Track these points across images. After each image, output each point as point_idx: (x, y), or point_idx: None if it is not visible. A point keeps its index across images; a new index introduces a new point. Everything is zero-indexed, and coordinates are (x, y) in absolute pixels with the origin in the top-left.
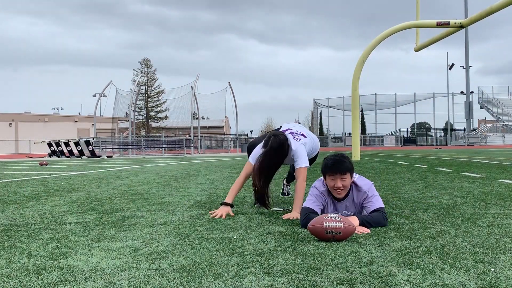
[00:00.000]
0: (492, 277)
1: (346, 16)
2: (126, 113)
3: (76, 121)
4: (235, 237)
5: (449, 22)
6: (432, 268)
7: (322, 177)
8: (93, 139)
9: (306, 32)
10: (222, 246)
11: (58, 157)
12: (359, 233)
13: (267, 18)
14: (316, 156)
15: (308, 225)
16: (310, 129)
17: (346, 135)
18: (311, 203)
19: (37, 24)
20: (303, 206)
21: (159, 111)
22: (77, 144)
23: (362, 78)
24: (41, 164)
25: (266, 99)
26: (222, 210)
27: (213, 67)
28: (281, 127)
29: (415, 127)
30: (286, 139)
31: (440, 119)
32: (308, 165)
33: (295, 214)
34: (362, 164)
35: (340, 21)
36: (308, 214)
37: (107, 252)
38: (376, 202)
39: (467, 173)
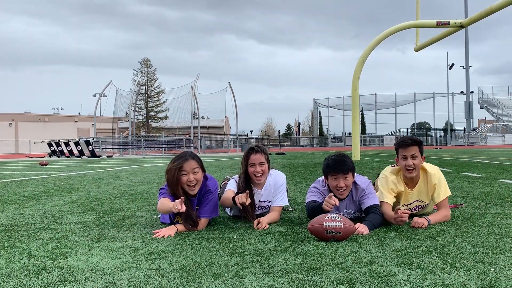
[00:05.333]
0: (492, 277)
1: (344, 17)
2: (126, 113)
3: (76, 121)
4: (235, 237)
5: (449, 22)
6: (432, 268)
7: (320, 178)
8: (93, 139)
9: (305, 33)
10: (222, 246)
11: (58, 157)
12: (359, 233)
13: (266, 19)
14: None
15: (308, 225)
16: (310, 129)
17: (346, 135)
18: (313, 196)
19: (36, 25)
20: (306, 201)
21: (159, 111)
22: (77, 144)
23: (362, 78)
24: (41, 164)
25: (266, 99)
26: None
27: (212, 67)
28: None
29: (415, 127)
30: None
31: (440, 119)
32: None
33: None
34: (362, 164)
35: (338, 22)
36: (311, 202)
37: (107, 252)
38: (373, 199)
39: (467, 173)
